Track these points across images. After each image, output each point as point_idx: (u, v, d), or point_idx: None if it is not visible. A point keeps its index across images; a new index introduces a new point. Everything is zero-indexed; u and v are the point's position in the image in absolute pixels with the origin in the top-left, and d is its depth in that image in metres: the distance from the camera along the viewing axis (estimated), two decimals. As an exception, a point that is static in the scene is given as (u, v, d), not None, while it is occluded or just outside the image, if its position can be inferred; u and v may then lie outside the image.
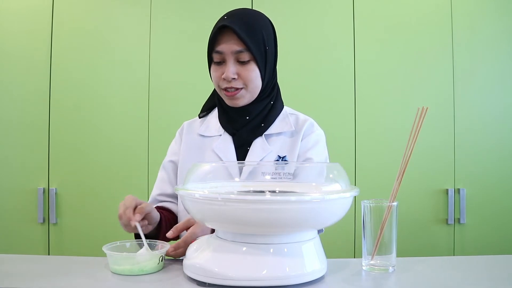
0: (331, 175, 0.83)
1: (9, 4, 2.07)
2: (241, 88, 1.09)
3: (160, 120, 2.07)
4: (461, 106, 2.09)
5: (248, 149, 1.14)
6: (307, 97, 2.07)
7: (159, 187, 1.24)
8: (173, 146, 1.27)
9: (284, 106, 1.22)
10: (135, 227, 0.93)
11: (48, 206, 2.03)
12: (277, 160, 1.12)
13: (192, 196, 0.75)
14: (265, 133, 1.15)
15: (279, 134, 1.16)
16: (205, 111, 1.26)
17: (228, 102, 1.13)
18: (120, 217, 0.95)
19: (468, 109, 2.10)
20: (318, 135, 1.19)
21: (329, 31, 2.11)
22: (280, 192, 0.85)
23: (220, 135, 1.16)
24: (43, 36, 2.07)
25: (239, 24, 1.06)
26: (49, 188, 2.04)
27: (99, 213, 2.04)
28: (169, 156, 1.26)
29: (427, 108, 0.82)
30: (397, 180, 0.84)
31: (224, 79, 1.08)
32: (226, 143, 1.15)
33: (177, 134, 1.27)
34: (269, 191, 0.83)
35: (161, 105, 2.07)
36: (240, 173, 1.08)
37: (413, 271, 0.85)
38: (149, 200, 1.23)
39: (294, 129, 1.17)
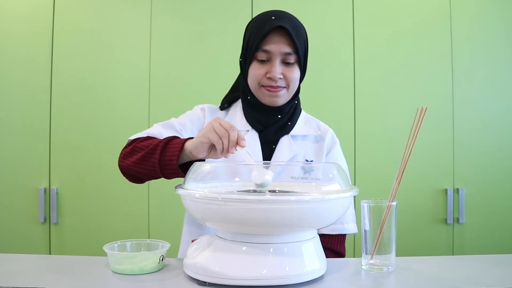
0: (330, 175, 0.83)
1: (10, 5, 2.07)
2: (283, 88, 1.11)
3: (161, 120, 2.06)
4: (460, 106, 2.09)
5: (274, 148, 1.15)
6: (306, 97, 2.05)
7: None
8: (192, 116, 1.21)
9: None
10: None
11: (49, 205, 2.04)
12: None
13: (192, 196, 0.75)
14: (291, 133, 1.17)
15: (304, 137, 1.18)
16: (225, 103, 1.24)
17: (266, 100, 1.12)
18: (222, 136, 0.88)
19: (467, 109, 2.10)
20: (339, 146, 1.22)
21: (329, 31, 2.11)
22: (280, 192, 0.86)
23: (247, 130, 1.16)
24: (44, 36, 2.07)
25: (291, 27, 1.07)
26: (50, 187, 2.04)
27: (100, 212, 2.05)
28: (182, 119, 1.21)
29: (426, 108, 0.82)
30: (397, 179, 0.85)
31: (269, 78, 1.09)
32: (254, 140, 1.15)
33: (198, 109, 1.23)
34: (269, 191, 0.83)
35: (161, 105, 2.08)
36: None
37: (412, 270, 0.85)
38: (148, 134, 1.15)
39: (319, 133, 1.19)
